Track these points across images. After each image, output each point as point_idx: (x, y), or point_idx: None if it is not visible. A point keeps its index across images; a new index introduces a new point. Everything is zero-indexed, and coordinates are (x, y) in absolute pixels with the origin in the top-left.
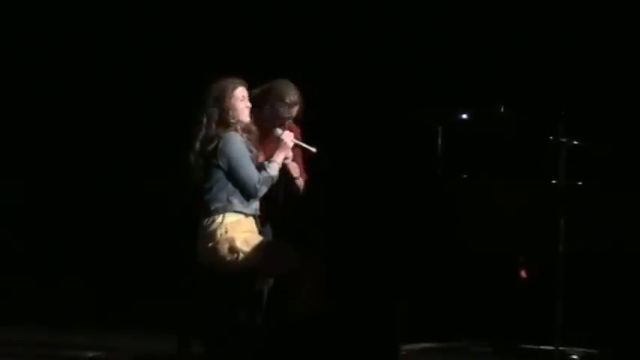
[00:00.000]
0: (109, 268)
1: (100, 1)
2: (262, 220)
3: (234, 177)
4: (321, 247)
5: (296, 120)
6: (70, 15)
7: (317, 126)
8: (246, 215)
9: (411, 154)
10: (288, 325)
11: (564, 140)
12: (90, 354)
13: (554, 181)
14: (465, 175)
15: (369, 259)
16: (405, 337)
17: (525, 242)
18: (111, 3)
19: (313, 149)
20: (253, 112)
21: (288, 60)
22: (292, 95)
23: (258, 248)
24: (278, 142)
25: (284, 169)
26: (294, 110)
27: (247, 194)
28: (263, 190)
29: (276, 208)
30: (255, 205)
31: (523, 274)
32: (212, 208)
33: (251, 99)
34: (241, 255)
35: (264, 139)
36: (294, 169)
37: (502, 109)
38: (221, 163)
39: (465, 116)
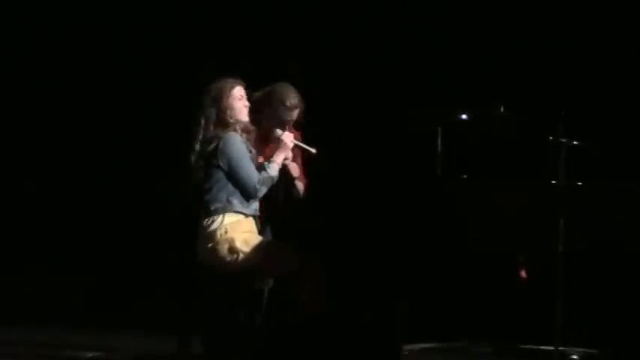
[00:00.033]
0: (109, 268)
1: (100, 1)
2: (262, 221)
3: (234, 177)
4: (321, 247)
5: (296, 123)
6: (70, 15)
7: (317, 127)
8: (246, 216)
9: (410, 155)
10: (288, 326)
11: (564, 140)
12: (90, 354)
13: (554, 182)
14: (465, 176)
15: (368, 259)
16: (405, 337)
17: (525, 242)
18: (111, 3)
19: (313, 150)
20: (254, 115)
21: (287, 60)
22: (293, 98)
23: (258, 248)
24: (278, 143)
25: (284, 170)
26: (295, 113)
27: (247, 194)
28: (263, 191)
29: (276, 208)
30: (255, 205)
31: (523, 274)
32: (212, 208)
33: (252, 102)
34: (241, 255)
35: (265, 141)
36: (294, 170)
37: (502, 110)
38: (221, 164)
39: (464, 116)
